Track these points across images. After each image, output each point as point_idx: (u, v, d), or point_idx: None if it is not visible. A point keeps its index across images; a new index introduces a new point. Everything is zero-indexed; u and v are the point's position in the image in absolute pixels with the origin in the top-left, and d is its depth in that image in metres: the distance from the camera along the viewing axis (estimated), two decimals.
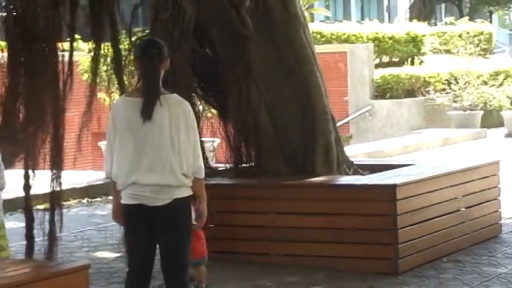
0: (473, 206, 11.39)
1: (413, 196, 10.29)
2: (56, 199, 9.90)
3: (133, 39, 11.01)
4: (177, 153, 6.94)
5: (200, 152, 7.16)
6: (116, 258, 10.72)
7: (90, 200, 15.50)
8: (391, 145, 21.24)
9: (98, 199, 15.71)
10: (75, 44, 10.55)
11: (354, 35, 27.18)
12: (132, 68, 10.44)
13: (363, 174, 11.24)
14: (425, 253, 10.36)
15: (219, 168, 11.53)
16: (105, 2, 10.70)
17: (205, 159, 9.69)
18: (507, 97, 26.94)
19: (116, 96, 12.52)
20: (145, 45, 7.49)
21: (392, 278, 9.71)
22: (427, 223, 10.45)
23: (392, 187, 10.09)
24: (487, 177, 11.86)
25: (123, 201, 7.07)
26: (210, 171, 10.85)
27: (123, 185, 6.99)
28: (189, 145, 7.03)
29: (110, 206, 14.53)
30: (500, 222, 12.03)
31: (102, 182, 15.22)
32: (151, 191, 6.98)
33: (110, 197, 14.65)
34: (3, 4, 9.88)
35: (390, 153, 19.42)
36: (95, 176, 16.91)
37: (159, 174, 6.95)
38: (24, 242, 9.97)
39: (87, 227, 13.35)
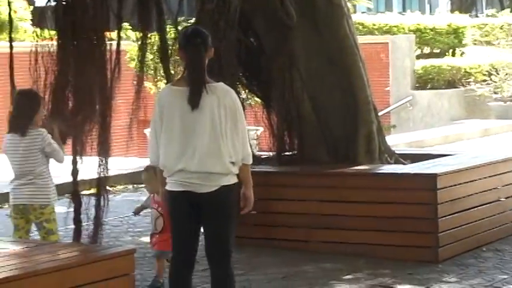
0: None
1: (454, 185, 10.28)
2: (102, 185, 9.96)
3: (179, 28, 11.04)
4: (225, 140, 6.97)
5: (247, 139, 7.23)
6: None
7: (135, 185, 15.58)
8: (431, 135, 21.17)
9: (143, 185, 15.78)
10: (122, 33, 10.59)
11: (395, 26, 27.08)
12: (178, 57, 10.48)
13: (404, 164, 11.22)
14: (465, 242, 10.34)
15: (262, 156, 11.53)
16: None
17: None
18: None
19: (161, 84, 12.57)
20: (190, 35, 7.45)
21: (432, 266, 9.70)
22: (466, 212, 10.44)
23: (433, 176, 10.09)
24: None
25: (169, 188, 7.12)
26: (254, 159, 10.84)
27: (170, 171, 7.04)
28: (236, 132, 7.06)
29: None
30: None
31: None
32: (199, 178, 7.00)
33: None
34: None
35: (431, 143, 19.36)
36: (140, 163, 16.96)
37: (207, 161, 6.99)
38: (72, 227, 10.05)
39: (133, 212, 13.42)
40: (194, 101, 6.87)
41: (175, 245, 7.28)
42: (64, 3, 9.96)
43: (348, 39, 11.36)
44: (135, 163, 17.16)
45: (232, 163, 7.00)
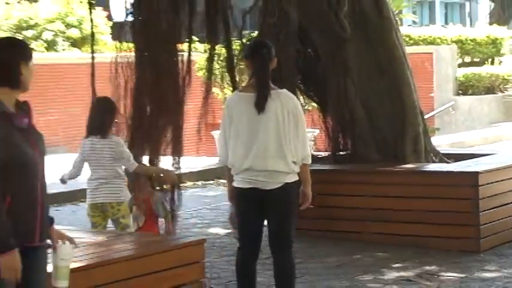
0: None
1: (494, 182, 10.21)
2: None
3: (243, 41, 11.07)
4: (287, 142, 7.02)
5: (307, 141, 7.26)
6: (226, 234, 10.80)
7: (204, 182, 15.64)
8: (472, 137, 21.04)
9: (211, 182, 15.84)
10: (192, 45, 10.61)
11: (439, 38, 26.95)
12: (242, 66, 10.53)
13: (448, 162, 11.16)
14: (504, 234, 10.27)
15: (319, 156, 11.51)
16: (220, 8, 10.78)
17: None
18: None
19: (227, 91, 12.59)
20: (256, 46, 7.66)
21: (474, 256, 9.63)
22: (506, 207, 10.36)
23: (475, 174, 10.01)
24: None
25: (236, 185, 7.16)
26: (311, 159, 10.86)
27: (237, 170, 7.09)
28: (297, 135, 7.10)
29: (221, 187, 14.81)
30: None
31: (214, 167, 15.36)
32: (264, 176, 7.04)
33: (221, 180, 14.94)
34: (131, 10, 9.96)
35: (471, 144, 19.22)
36: (208, 161, 17.09)
37: (272, 160, 7.03)
38: None
39: (201, 206, 13.48)
40: (260, 105, 6.92)
41: (242, 236, 7.31)
42: (141, 18, 10.02)
43: (396, 50, 11.32)
44: (204, 162, 17.29)
45: (294, 162, 7.04)
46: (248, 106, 7.01)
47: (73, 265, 5.35)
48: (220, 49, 10.89)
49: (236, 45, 11.02)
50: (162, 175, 9.31)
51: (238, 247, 7.32)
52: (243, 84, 9.21)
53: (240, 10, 11.44)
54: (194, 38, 10.86)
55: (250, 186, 7.08)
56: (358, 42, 10.98)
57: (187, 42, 10.59)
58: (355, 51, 10.95)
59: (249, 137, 7.04)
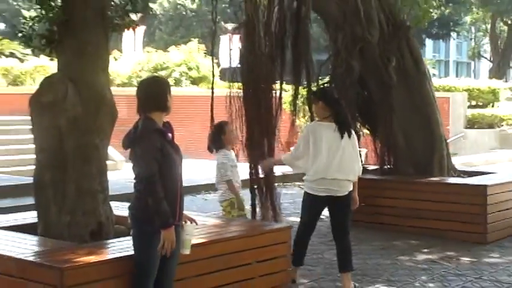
0: None
1: (498, 193, 10.07)
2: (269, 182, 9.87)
3: (319, 84, 11.03)
4: (354, 159, 7.14)
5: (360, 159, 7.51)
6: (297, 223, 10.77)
7: (283, 184, 15.54)
8: (477, 159, 20.77)
9: (289, 183, 15.79)
10: (282, 86, 10.59)
11: (453, 87, 26.63)
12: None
13: (463, 177, 10.94)
14: (505, 231, 10.09)
15: (369, 168, 11.42)
16: (303, 60, 10.75)
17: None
18: None
19: (304, 120, 12.46)
20: (331, 91, 8.26)
21: (482, 246, 9.49)
22: (506, 211, 10.19)
23: (485, 186, 9.91)
24: None
25: (312, 192, 7.24)
26: (364, 170, 10.87)
27: (316, 176, 7.12)
28: (356, 155, 7.27)
29: (296, 189, 14.75)
30: None
31: (291, 173, 15.29)
32: (338, 185, 7.11)
33: (297, 182, 14.92)
34: (240, 60, 9.95)
35: (476, 164, 18.96)
36: (287, 169, 17.09)
37: (345, 173, 7.09)
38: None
39: (283, 201, 13.45)
40: (341, 133, 7.05)
41: (305, 223, 7.45)
42: (246, 65, 9.99)
43: (428, 95, 11.19)
44: (285, 169, 17.28)
45: (355, 175, 7.18)
46: (327, 131, 7.08)
47: (195, 241, 5.39)
48: (302, 89, 10.85)
49: (314, 87, 10.93)
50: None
51: (301, 223, 7.50)
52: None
53: (317, 61, 11.38)
54: (284, 80, 10.80)
55: (325, 194, 7.15)
56: (401, 89, 10.85)
57: (279, 83, 10.58)
58: (399, 95, 10.83)
59: (329, 154, 7.05)
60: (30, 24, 6.60)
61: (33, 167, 6.37)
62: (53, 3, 6.48)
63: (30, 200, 10.86)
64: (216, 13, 9.95)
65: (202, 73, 25.59)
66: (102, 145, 6.24)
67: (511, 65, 53.80)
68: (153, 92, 5.18)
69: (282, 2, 10.47)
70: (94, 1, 6.46)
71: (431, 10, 12.27)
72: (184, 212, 5.31)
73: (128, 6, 6.82)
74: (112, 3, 6.77)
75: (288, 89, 11.75)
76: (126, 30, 6.96)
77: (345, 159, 7.08)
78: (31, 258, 5.19)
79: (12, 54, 34.40)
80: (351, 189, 7.22)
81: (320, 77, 11.11)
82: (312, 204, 7.34)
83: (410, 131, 10.91)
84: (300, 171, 8.24)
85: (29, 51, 38.20)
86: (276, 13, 10.30)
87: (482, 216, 9.74)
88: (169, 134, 5.15)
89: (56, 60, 6.68)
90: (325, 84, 10.94)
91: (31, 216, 6.66)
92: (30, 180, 12.78)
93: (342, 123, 7.15)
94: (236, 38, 12.42)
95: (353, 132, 7.36)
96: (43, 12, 6.50)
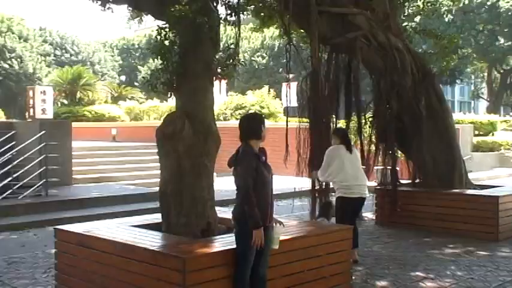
0: None
1: (508, 202, 9.55)
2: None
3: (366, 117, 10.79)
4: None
5: None
6: None
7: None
8: (482, 175, 20.01)
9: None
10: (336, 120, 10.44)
11: (461, 120, 25.84)
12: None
13: (478, 189, 10.46)
14: None
15: (403, 182, 11.05)
16: (352, 100, 10.58)
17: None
18: None
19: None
20: (341, 129, 8.85)
21: (495, 243, 9.02)
22: None
23: (496, 197, 9.40)
24: None
25: (347, 195, 7.47)
26: (400, 184, 10.56)
27: (351, 184, 7.45)
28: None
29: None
30: None
31: None
32: (364, 189, 7.57)
33: None
34: (307, 99, 9.80)
35: (482, 179, 18.24)
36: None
37: (365, 179, 7.70)
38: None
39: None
40: (349, 149, 7.58)
41: (348, 217, 7.45)
42: (311, 105, 9.83)
43: (450, 126, 10.79)
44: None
45: None
46: (343, 151, 7.63)
47: (281, 237, 5.24)
48: (353, 123, 10.65)
49: (362, 119, 10.66)
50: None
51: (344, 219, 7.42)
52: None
53: (364, 101, 11.13)
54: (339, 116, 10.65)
55: (359, 196, 7.51)
56: (429, 121, 10.46)
57: (335, 118, 10.41)
58: (427, 126, 10.45)
59: (350, 166, 7.52)
60: (156, 75, 6.60)
61: (151, 180, 6.35)
62: (173, 59, 6.48)
63: (151, 205, 11.00)
64: (289, 67, 9.86)
65: (271, 111, 25.52)
66: (210, 164, 6.18)
67: (503, 103, 52.71)
68: (251, 124, 5.09)
69: (337, 57, 10.36)
70: (203, 57, 6.45)
71: (450, 63, 11.85)
72: (274, 215, 5.18)
73: (227, 61, 6.78)
74: (215, 58, 6.74)
75: (341, 122, 11.53)
76: (227, 78, 6.89)
77: (361, 169, 7.74)
78: (160, 249, 5.13)
79: (132, 98, 35.19)
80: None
81: (366, 113, 10.86)
82: (348, 204, 7.50)
83: (436, 153, 10.48)
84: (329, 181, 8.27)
85: (144, 95, 39.15)
86: (333, 65, 10.18)
87: (495, 220, 9.27)
88: (263, 157, 5.06)
89: (165, 102, 6.70)
90: (369, 119, 10.70)
91: (154, 218, 6.62)
92: (149, 190, 12.98)
93: (348, 144, 7.68)
94: (293, 84, 12.25)
95: (354, 147, 7.79)
96: (165, 65, 6.50)
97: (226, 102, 26.47)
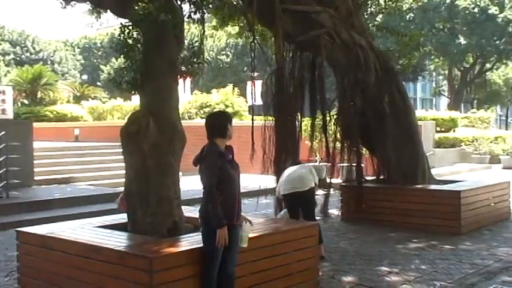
0: (498, 202, 10.72)
1: (468, 196, 9.78)
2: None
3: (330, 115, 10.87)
4: None
5: None
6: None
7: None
8: (444, 171, 20.34)
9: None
10: (302, 118, 10.50)
11: (423, 117, 26.26)
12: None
13: (440, 184, 10.67)
14: (474, 224, 9.79)
15: (367, 178, 11.18)
16: (318, 98, 10.63)
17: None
18: (501, 149, 25.63)
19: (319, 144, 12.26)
20: None
21: (458, 236, 9.21)
22: (475, 210, 9.89)
23: (459, 191, 9.63)
24: (504, 188, 11.13)
25: None
26: (364, 180, 10.67)
27: None
28: None
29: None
30: (510, 211, 11.18)
31: None
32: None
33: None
34: (272, 98, 9.83)
35: (444, 175, 18.53)
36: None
37: None
38: None
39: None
40: None
41: None
42: (276, 103, 9.87)
43: (412, 123, 10.97)
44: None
45: None
46: None
47: (250, 235, 5.24)
48: (318, 120, 10.73)
49: (327, 116, 10.75)
50: None
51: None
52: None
53: (329, 98, 11.20)
54: (306, 113, 10.73)
55: None
56: (392, 118, 10.60)
57: (300, 115, 10.46)
58: (391, 123, 10.58)
59: None
60: (120, 73, 6.53)
61: (116, 180, 6.28)
62: (136, 58, 6.42)
63: (116, 205, 10.85)
64: (254, 65, 9.86)
65: (235, 109, 25.51)
66: (175, 163, 6.13)
67: (464, 100, 53.77)
68: (217, 123, 5.08)
69: (302, 55, 10.41)
70: (167, 55, 6.41)
71: (412, 60, 12.04)
72: (242, 213, 5.17)
73: (191, 58, 6.74)
74: (179, 56, 6.69)
75: (307, 120, 11.60)
76: (192, 77, 6.85)
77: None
78: (126, 249, 5.07)
79: (95, 97, 34.70)
80: None
81: (330, 110, 10.94)
82: None
83: (399, 150, 10.63)
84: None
85: (107, 94, 38.64)
86: (298, 63, 10.23)
87: (457, 214, 9.47)
88: (230, 156, 5.05)
89: (129, 101, 6.64)
90: (334, 116, 10.77)
91: (120, 218, 6.54)
92: (114, 190, 12.80)
93: None
94: (258, 83, 12.22)
95: None
96: (129, 63, 6.44)
97: (191, 101, 26.35)
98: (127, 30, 6.41)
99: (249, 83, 24.41)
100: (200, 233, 5.06)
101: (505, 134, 29.16)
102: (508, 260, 7.65)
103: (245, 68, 43.59)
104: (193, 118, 24.44)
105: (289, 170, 7.99)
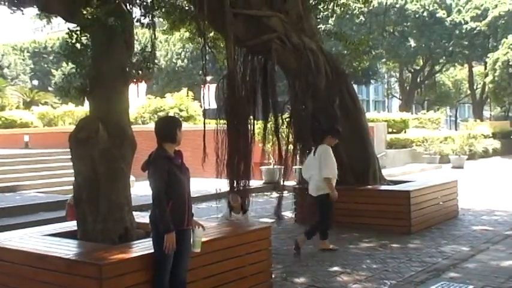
0: (446, 201, 11.03)
1: (418, 196, 10.03)
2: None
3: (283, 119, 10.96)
4: None
5: None
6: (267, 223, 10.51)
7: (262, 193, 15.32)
8: (396, 171, 20.76)
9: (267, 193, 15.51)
10: (255, 121, 10.54)
11: (376, 118, 26.82)
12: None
13: (391, 185, 10.91)
14: (423, 224, 10.03)
15: None
16: (270, 101, 10.70)
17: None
18: (451, 149, 26.35)
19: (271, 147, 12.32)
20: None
21: (408, 235, 9.45)
22: (424, 209, 10.14)
23: (408, 191, 9.87)
24: (452, 187, 11.46)
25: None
26: None
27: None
28: None
29: (265, 197, 14.45)
30: (458, 209, 11.53)
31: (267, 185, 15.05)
32: None
33: (267, 193, 14.62)
34: (224, 102, 9.86)
35: (396, 175, 18.91)
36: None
37: None
38: None
39: (261, 206, 13.24)
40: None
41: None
42: (228, 107, 9.89)
43: (363, 125, 11.19)
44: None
45: None
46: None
47: (202, 239, 5.24)
48: (270, 123, 10.80)
49: (279, 119, 10.83)
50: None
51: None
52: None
53: (281, 101, 11.30)
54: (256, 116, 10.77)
55: None
56: (343, 120, 10.71)
57: (253, 119, 10.52)
58: (341, 125, 10.66)
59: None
60: (68, 79, 6.44)
61: (66, 187, 6.20)
62: (85, 63, 6.34)
63: (64, 213, 10.64)
64: (206, 69, 9.85)
65: (190, 113, 25.42)
66: (126, 169, 6.08)
67: (414, 101, 55.00)
68: (166, 128, 5.08)
69: (253, 59, 10.47)
70: (116, 60, 6.35)
71: (363, 63, 12.27)
72: (195, 218, 5.18)
73: (142, 63, 6.70)
74: (129, 61, 6.64)
75: (259, 122, 11.65)
76: (143, 81, 6.81)
77: None
78: (75, 257, 5.00)
79: (46, 103, 33.96)
80: None
81: (283, 114, 11.04)
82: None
83: (351, 151, 10.80)
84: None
85: (58, 99, 37.87)
86: (250, 67, 10.29)
87: (407, 214, 9.70)
88: (179, 160, 5.04)
89: (81, 106, 6.55)
90: (286, 119, 10.85)
91: (69, 226, 6.44)
92: (64, 197, 12.57)
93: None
94: (212, 86, 12.25)
95: None
96: (77, 69, 6.35)
97: (144, 105, 26.08)
98: (75, 35, 6.32)
99: (202, 86, 24.42)
100: (151, 239, 5.03)
101: (454, 135, 30.02)
102: (455, 257, 7.87)
103: (200, 72, 43.44)
104: (147, 123, 24.21)
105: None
